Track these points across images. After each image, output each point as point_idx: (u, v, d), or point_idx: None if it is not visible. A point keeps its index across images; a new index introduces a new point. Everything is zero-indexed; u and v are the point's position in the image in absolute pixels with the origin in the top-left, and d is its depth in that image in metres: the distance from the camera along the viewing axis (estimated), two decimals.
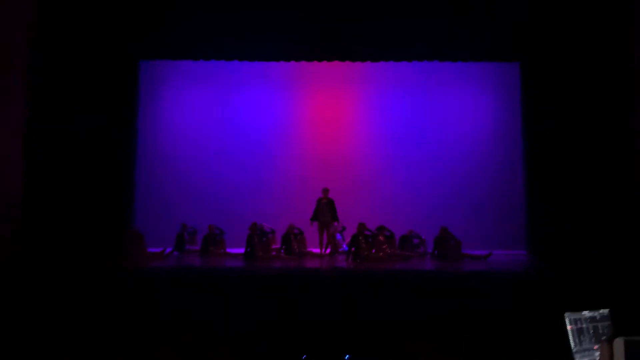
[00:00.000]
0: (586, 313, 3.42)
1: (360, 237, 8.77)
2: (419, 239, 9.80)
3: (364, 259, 8.62)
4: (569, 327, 3.33)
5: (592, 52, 8.45)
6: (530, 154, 9.89)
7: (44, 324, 5.30)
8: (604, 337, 3.43)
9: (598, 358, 3.39)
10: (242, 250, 8.99)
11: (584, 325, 3.39)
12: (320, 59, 10.41)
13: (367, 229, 9.04)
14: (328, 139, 11.44)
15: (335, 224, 9.40)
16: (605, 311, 3.51)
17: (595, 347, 3.39)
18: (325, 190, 9.35)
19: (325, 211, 9.21)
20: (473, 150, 11.19)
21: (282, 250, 9.06)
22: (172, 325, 5.71)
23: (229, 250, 9.45)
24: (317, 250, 9.35)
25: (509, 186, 10.74)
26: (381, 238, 9.14)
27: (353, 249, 8.77)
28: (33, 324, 5.34)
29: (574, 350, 3.30)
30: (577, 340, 3.33)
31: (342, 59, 10.40)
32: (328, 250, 9.21)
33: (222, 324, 5.99)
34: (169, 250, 9.16)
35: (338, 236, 9.49)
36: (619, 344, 1.24)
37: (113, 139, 9.56)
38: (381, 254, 8.72)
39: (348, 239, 9.43)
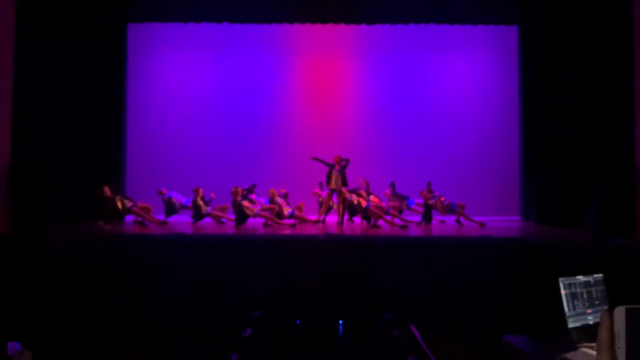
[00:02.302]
0: (580, 278, 3.41)
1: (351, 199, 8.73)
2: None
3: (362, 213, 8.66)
4: (562, 292, 3.32)
5: (591, 14, 8.27)
6: (527, 118, 9.82)
7: (29, 291, 5.27)
8: (597, 302, 3.43)
9: (591, 322, 3.39)
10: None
11: (578, 290, 3.38)
12: (313, 21, 10.21)
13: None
14: (322, 102, 11.30)
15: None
16: (599, 276, 3.50)
17: (589, 311, 3.39)
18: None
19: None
20: (469, 115, 11.10)
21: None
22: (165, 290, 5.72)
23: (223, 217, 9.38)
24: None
25: (505, 151, 10.70)
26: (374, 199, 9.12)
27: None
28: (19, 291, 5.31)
29: (567, 315, 3.30)
30: (570, 305, 3.32)
31: (337, 21, 10.20)
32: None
33: (217, 290, 6.01)
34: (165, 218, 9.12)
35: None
36: (620, 312, 1.18)
37: (101, 103, 9.47)
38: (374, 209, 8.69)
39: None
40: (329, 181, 9.06)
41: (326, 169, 9.13)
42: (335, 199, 9.16)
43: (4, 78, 7.54)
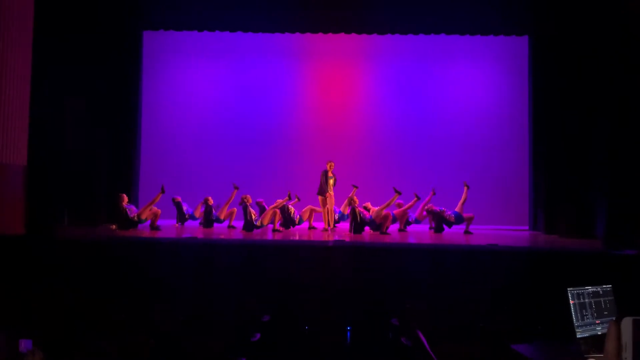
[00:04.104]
0: (589, 288, 3.42)
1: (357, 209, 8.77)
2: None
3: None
4: (571, 302, 3.33)
5: (602, 25, 8.27)
6: (537, 128, 9.82)
7: (41, 291, 5.34)
8: (606, 313, 3.44)
9: (599, 333, 3.40)
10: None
11: (587, 300, 3.39)
12: (325, 31, 10.29)
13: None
14: (333, 111, 11.36)
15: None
16: (608, 287, 3.51)
17: (597, 322, 3.40)
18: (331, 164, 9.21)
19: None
20: (479, 124, 11.11)
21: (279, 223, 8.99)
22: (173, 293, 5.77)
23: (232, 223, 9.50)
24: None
25: (514, 161, 10.69)
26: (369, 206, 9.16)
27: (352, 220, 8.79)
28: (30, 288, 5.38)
29: (575, 325, 3.31)
30: (579, 315, 3.34)
31: (348, 31, 10.28)
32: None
33: (226, 295, 6.04)
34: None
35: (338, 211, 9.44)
36: (627, 323, 1.20)
37: (116, 109, 9.61)
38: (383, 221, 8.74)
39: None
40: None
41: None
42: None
43: (21, 84, 7.67)
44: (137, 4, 9.65)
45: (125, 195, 8.82)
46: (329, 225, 9.03)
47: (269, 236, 8.15)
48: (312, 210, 9.38)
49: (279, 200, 8.97)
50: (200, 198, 9.51)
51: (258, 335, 4.37)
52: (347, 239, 7.47)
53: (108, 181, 9.45)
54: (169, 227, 9.07)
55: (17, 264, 6.08)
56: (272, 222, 8.78)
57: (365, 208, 9.11)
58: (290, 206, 9.16)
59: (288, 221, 9.10)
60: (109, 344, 3.75)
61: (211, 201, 9.36)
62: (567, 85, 8.96)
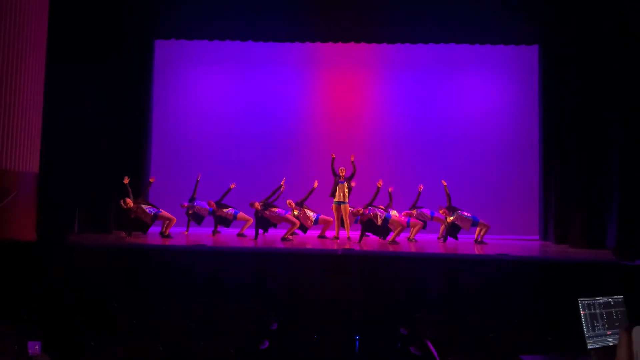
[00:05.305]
0: (600, 299, 3.40)
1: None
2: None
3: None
4: (582, 313, 3.31)
5: (612, 34, 8.26)
6: (547, 138, 9.78)
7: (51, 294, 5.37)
8: (618, 324, 3.41)
9: (611, 344, 3.37)
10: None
11: (598, 311, 3.36)
12: (335, 41, 10.34)
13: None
14: (343, 120, 11.37)
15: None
16: (619, 297, 3.48)
17: (609, 332, 3.37)
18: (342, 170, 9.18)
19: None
20: (489, 133, 11.07)
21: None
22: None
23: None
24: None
25: (525, 171, 10.63)
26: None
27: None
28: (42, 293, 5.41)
29: (586, 336, 3.28)
30: (590, 326, 3.31)
31: (358, 40, 10.32)
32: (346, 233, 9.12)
33: (235, 303, 6.06)
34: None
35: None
36: (638, 331, 1.20)
37: (128, 117, 9.70)
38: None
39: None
40: (333, 193, 9.06)
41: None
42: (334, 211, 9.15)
43: (35, 94, 7.77)
44: (148, 14, 9.77)
45: (129, 199, 8.68)
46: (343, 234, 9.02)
47: (278, 244, 8.16)
48: (329, 221, 9.32)
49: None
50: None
51: (267, 343, 4.38)
52: (356, 248, 7.46)
53: (119, 188, 9.48)
54: (178, 235, 9.09)
55: (27, 270, 6.13)
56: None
57: (390, 203, 9.09)
58: (308, 211, 9.11)
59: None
60: (118, 350, 3.77)
61: (213, 204, 9.38)
62: (577, 94, 8.93)
